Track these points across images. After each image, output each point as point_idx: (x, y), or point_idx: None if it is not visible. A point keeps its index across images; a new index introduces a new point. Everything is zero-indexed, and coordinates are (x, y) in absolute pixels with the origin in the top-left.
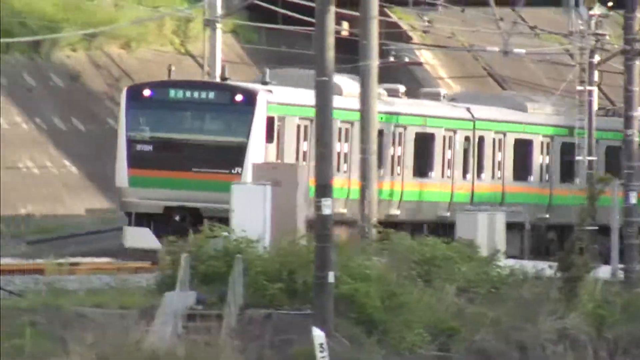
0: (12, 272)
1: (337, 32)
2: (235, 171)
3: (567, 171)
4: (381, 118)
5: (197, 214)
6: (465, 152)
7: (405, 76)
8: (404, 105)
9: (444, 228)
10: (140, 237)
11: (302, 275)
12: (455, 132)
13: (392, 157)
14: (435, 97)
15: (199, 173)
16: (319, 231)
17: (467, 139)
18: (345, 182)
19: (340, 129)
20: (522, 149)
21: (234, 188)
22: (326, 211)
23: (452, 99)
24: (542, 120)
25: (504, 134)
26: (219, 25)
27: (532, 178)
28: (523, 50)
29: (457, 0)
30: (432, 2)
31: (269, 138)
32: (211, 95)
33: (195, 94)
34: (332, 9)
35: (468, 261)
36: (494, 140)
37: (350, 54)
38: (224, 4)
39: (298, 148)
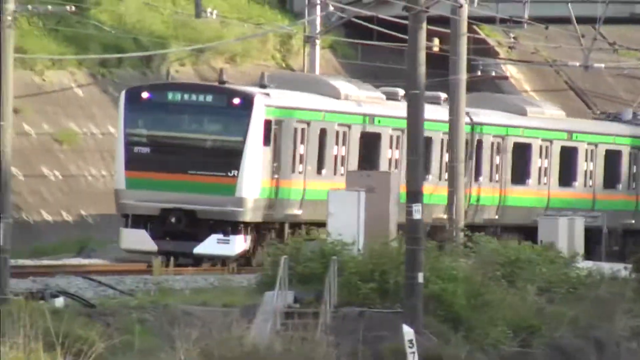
0: (122, 272)
1: (428, 48)
2: (232, 174)
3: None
4: (379, 121)
5: (193, 216)
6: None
7: (491, 89)
8: (403, 109)
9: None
10: (136, 239)
11: (393, 275)
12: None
13: (390, 159)
14: (436, 100)
15: (196, 175)
16: (410, 234)
17: (466, 142)
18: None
19: (337, 132)
20: (521, 153)
21: (330, 194)
22: (417, 216)
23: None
24: (542, 125)
25: (502, 138)
26: (318, 42)
27: (529, 181)
28: (602, 65)
29: (540, 18)
30: (517, 20)
31: (266, 141)
32: (209, 98)
33: (193, 97)
34: (424, 27)
35: (549, 263)
36: (492, 144)
37: (440, 69)
38: (322, 22)
39: (295, 151)
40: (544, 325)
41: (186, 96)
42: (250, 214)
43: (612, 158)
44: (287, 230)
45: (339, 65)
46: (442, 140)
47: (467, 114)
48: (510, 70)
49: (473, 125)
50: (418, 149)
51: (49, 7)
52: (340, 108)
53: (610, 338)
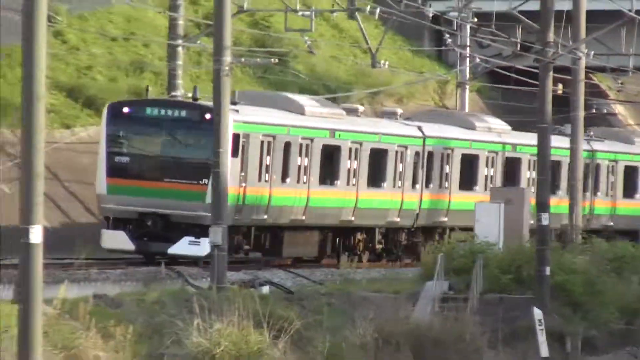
0: (313, 266)
1: (554, 91)
2: (202, 182)
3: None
4: (339, 135)
5: (168, 220)
6: (415, 165)
7: (603, 123)
8: (361, 124)
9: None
10: (116, 240)
11: (526, 269)
12: (406, 147)
13: (349, 170)
14: (392, 116)
15: (170, 183)
16: (539, 237)
17: (417, 153)
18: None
19: (301, 145)
20: (468, 162)
21: (477, 205)
22: (544, 222)
23: (407, 118)
24: (489, 138)
25: (452, 150)
26: (467, 87)
27: (477, 187)
28: None
29: None
30: (624, 69)
31: (235, 153)
32: (183, 113)
33: (169, 112)
34: (551, 75)
35: None
36: (442, 155)
37: (562, 107)
38: (471, 71)
39: (261, 162)
40: None
41: (163, 111)
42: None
43: (554, 168)
44: (253, 233)
45: (483, 105)
46: (397, 152)
47: (419, 127)
48: (619, 108)
49: (424, 138)
50: (545, 170)
51: (258, 59)
52: (304, 123)
53: None
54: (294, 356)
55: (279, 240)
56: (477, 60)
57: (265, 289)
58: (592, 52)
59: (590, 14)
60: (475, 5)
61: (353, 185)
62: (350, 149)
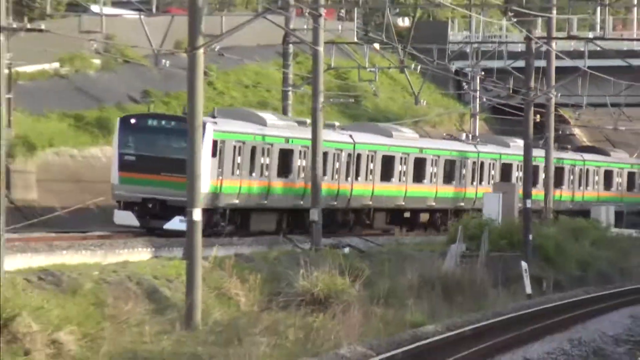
0: (377, 235)
1: (534, 119)
2: None
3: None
4: (292, 141)
5: (164, 204)
6: (348, 163)
7: (565, 141)
8: (307, 132)
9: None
10: (125, 218)
11: (516, 236)
12: (341, 150)
13: (299, 167)
14: (332, 127)
15: (166, 176)
16: (525, 215)
17: (349, 155)
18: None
19: (263, 149)
20: (388, 162)
21: (485, 195)
22: (528, 205)
23: (342, 128)
24: (402, 143)
25: (375, 152)
26: (477, 117)
27: (393, 179)
28: (623, 128)
29: (592, 104)
30: (579, 104)
31: (214, 154)
32: (175, 124)
33: (164, 123)
34: (532, 108)
35: (596, 230)
36: (367, 156)
37: (539, 129)
38: (480, 106)
39: (234, 162)
40: (593, 262)
41: (161, 122)
42: (203, 203)
43: (450, 164)
44: (228, 213)
45: (489, 129)
46: (334, 154)
47: (350, 135)
48: (576, 130)
49: (354, 144)
50: (529, 171)
51: (341, 100)
52: (265, 132)
53: (629, 267)
54: (365, 293)
55: (248, 219)
56: (484, 99)
57: (346, 250)
58: (559, 94)
59: (558, 69)
60: (482, 63)
61: (302, 177)
62: (300, 152)
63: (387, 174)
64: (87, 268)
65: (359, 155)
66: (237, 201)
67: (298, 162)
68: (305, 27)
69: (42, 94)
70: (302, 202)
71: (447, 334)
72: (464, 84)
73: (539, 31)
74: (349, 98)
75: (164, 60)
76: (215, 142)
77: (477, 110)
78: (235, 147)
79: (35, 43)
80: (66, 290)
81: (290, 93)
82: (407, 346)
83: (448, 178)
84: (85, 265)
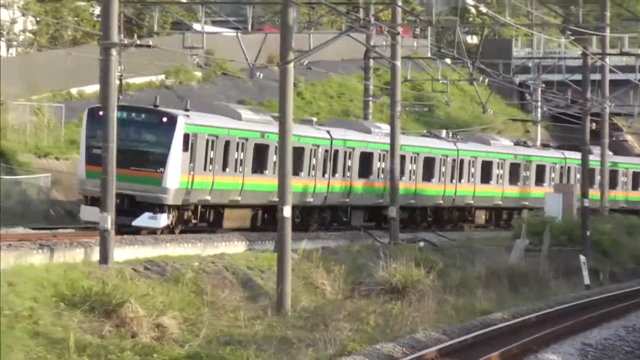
0: (450, 231)
1: (590, 127)
2: (160, 170)
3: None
4: (268, 136)
5: (133, 199)
6: (325, 159)
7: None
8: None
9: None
10: (92, 214)
11: (575, 232)
12: (318, 146)
13: (274, 162)
14: (309, 123)
15: (135, 171)
16: (583, 212)
17: (326, 151)
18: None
19: (238, 143)
20: (365, 158)
21: (546, 195)
22: (586, 204)
23: (321, 124)
24: (380, 140)
25: (353, 149)
26: (539, 125)
27: (371, 177)
28: None
29: None
30: (631, 114)
31: (185, 148)
32: (145, 116)
33: (135, 115)
34: (588, 117)
35: None
36: (345, 152)
37: (595, 136)
38: (541, 115)
39: (206, 156)
40: None
41: (131, 114)
42: (172, 199)
43: (429, 161)
44: (199, 210)
45: (549, 136)
46: (311, 150)
47: (328, 132)
48: (629, 137)
49: (332, 140)
50: (586, 174)
51: (416, 108)
52: (240, 126)
53: None
54: (439, 283)
55: (220, 216)
56: (545, 109)
57: (421, 244)
58: (613, 104)
59: (611, 81)
60: (543, 76)
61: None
62: (276, 147)
63: (364, 170)
64: (188, 259)
65: (336, 152)
66: (209, 197)
67: (274, 158)
68: (384, 43)
69: (149, 103)
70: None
71: (513, 321)
72: (527, 95)
73: (594, 48)
74: (424, 107)
75: (258, 73)
76: (186, 136)
77: (539, 118)
78: (208, 141)
79: (144, 57)
80: (169, 279)
81: (370, 103)
82: (477, 331)
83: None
84: (186, 256)
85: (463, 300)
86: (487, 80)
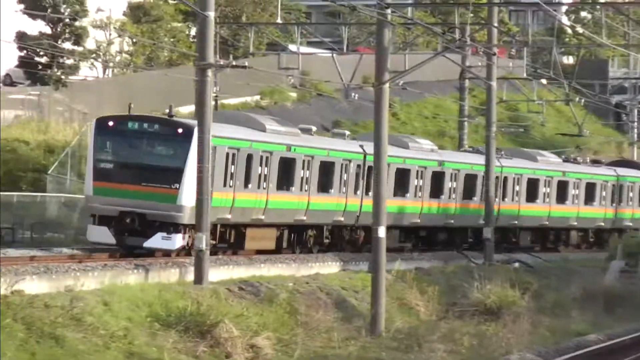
0: (542, 251)
1: None
2: (174, 187)
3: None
4: (294, 149)
5: (144, 218)
6: (357, 175)
7: None
8: (313, 141)
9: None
10: (100, 234)
11: None
12: (350, 160)
13: (302, 178)
14: (341, 136)
15: (147, 187)
16: None
17: (359, 166)
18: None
19: (261, 157)
20: (403, 174)
21: None
22: None
23: (354, 138)
24: (418, 156)
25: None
26: (635, 145)
27: (408, 195)
28: None
29: None
30: None
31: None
32: (159, 127)
33: (147, 126)
34: None
35: None
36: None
37: None
38: (638, 135)
39: (226, 170)
40: None
41: (143, 125)
42: (188, 217)
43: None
44: (219, 229)
45: None
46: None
47: (361, 146)
48: None
49: (365, 154)
50: None
51: (511, 129)
52: (264, 139)
53: None
54: (533, 304)
55: (242, 236)
56: None
57: (516, 265)
58: None
59: None
60: None
61: (305, 190)
62: (304, 161)
63: (400, 188)
64: (283, 279)
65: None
66: (229, 216)
67: (302, 173)
68: (479, 64)
69: None
70: (305, 218)
71: (608, 342)
72: (623, 115)
73: None
74: (519, 128)
75: (353, 94)
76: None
77: (635, 138)
78: (228, 154)
79: (239, 78)
80: (264, 299)
81: (465, 123)
82: (572, 353)
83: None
84: (280, 277)
85: (558, 321)
86: (583, 100)
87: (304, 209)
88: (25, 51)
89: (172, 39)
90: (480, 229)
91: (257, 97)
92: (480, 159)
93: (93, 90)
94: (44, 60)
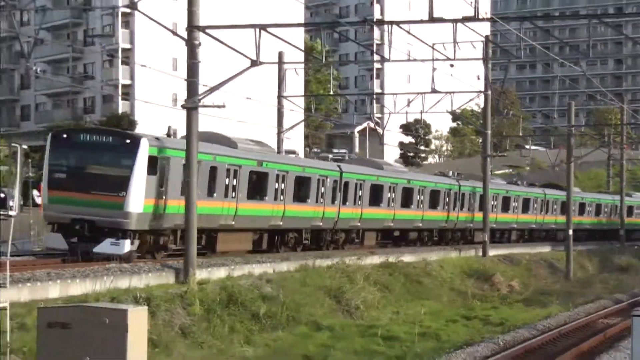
0: None
1: None
2: (122, 194)
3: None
4: (266, 164)
5: (94, 225)
6: (334, 188)
7: None
8: (288, 159)
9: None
10: (55, 241)
11: None
12: (327, 177)
13: (276, 189)
14: (326, 158)
15: (96, 195)
16: None
17: (335, 181)
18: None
19: (228, 170)
20: (376, 190)
21: None
22: None
23: (336, 160)
24: (391, 175)
25: (363, 181)
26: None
27: (382, 204)
28: None
29: None
30: None
31: (152, 171)
32: (109, 139)
33: (98, 138)
34: None
35: None
36: (355, 184)
37: None
38: None
39: (177, 180)
40: None
41: (93, 137)
42: (135, 224)
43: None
44: (171, 235)
45: None
46: (318, 180)
47: (339, 166)
48: None
49: (341, 172)
50: None
51: None
52: (229, 153)
53: None
54: None
55: (214, 240)
56: None
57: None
58: None
59: None
60: None
61: (281, 200)
62: (277, 175)
63: (374, 199)
64: (523, 254)
65: (346, 183)
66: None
67: (275, 185)
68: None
69: None
70: (281, 223)
71: None
72: None
73: None
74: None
75: None
76: (153, 159)
77: None
78: (182, 165)
79: None
80: (514, 263)
81: None
82: None
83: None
84: (521, 253)
85: None
86: None
87: (280, 215)
88: None
89: None
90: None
91: None
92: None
93: None
94: None
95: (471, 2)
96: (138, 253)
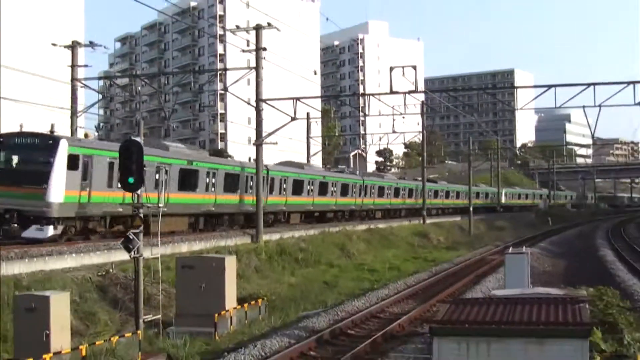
0: None
1: None
2: (43, 187)
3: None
4: (196, 164)
5: (21, 214)
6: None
7: None
8: (218, 160)
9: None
10: None
11: None
12: (254, 175)
13: (207, 183)
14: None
15: (23, 188)
16: None
17: (263, 178)
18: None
19: (158, 168)
20: (298, 183)
21: None
22: None
23: (279, 163)
24: (310, 173)
25: (287, 177)
26: None
27: (303, 194)
28: None
29: None
30: None
31: (74, 167)
32: (36, 140)
33: (26, 140)
34: None
35: None
36: (280, 179)
37: None
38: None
39: (111, 175)
40: None
41: (24, 140)
42: (57, 212)
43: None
44: (101, 221)
45: None
46: (246, 177)
47: (266, 166)
48: None
49: (268, 170)
50: None
51: None
52: (166, 155)
53: None
54: None
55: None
56: None
57: None
58: None
59: None
60: None
61: (213, 191)
62: (207, 172)
63: (296, 190)
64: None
65: (272, 179)
66: (120, 209)
67: (206, 181)
68: None
69: None
70: (214, 209)
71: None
72: None
73: None
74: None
75: None
76: (75, 157)
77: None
78: (111, 163)
79: None
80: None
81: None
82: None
83: (344, 193)
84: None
85: None
86: None
87: (212, 203)
88: None
89: None
90: (334, 211)
91: None
92: (349, 176)
93: None
94: None
95: (413, 82)
96: (67, 235)
